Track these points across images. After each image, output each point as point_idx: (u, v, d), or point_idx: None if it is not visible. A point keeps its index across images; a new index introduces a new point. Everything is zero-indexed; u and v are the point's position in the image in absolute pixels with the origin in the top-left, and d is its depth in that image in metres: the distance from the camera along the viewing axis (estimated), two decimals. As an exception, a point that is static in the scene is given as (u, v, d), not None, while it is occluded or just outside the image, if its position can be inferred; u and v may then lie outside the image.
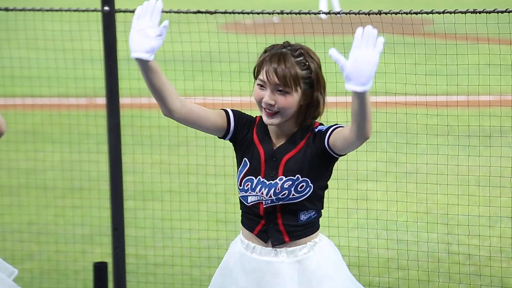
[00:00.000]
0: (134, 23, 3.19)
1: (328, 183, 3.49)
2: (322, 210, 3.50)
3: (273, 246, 3.44)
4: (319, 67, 3.41)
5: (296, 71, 3.35)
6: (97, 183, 7.71)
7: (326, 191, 3.50)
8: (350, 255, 5.92)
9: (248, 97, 5.62)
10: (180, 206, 6.64)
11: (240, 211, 3.54)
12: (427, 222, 6.27)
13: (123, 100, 5.36)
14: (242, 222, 3.52)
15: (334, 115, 5.16)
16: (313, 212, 3.45)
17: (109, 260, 5.49)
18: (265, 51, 3.42)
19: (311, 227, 3.46)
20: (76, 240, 6.78)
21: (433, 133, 6.24)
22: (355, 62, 3.00)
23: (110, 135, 5.22)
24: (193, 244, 6.48)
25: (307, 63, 3.38)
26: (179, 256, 6.32)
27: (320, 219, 3.51)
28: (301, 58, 3.38)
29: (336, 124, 3.42)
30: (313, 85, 3.38)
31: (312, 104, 3.40)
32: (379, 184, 6.64)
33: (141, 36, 3.18)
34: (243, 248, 3.49)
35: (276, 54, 3.37)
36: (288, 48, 3.39)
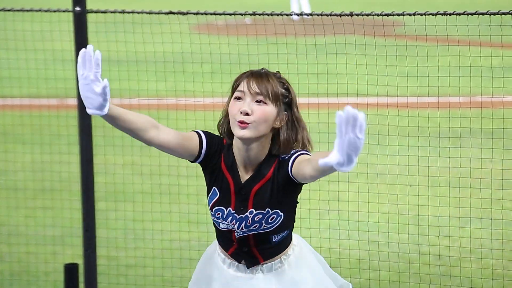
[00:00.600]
0: (79, 71, 3.09)
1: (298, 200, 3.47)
2: (294, 223, 3.48)
3: (248, 268, 3.44)
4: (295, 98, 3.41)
5: (277, 86, 3.34)
6: (68, 184, 7.67)
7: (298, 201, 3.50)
8: (321, 256, 5.93)
9: (220, 98, 5.62)
10: (152, 207, 6.63)
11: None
12: (398, 223, 6.31)
13: (94, 101, 5.33)
14: (216, 237, 3.52)
15: (306, 116, 5.18)
16: (286, 232, 3.45)
17: (80, 261, 5.47)
18: (239, 75, 3.41)
19: (284, 244, 3.47)
20: (47, 242, 6.74)
21: (404, 135, 6.28)
22: (344, 153, 2.76)
23: (81, 136, 5.20)
24: (164, 246, 6.47)
25: (286, 84, 3.39)
26: (150, 257, 6.30)
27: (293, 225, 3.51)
28: (281, 79, 3.39)
29: (300, 151, 3.34)
30: (291, 106, 3.36)
31: (288, 127, 3.35)
32: (351, 185, 6.66)
33: (88, 92, 3.08)
34: (220, 261, 3.50)
35: (257, 71, 3.37)
36: (266, 70, 3.40)
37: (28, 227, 6.92)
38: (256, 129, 3.30)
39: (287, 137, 3.35)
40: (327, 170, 2.99)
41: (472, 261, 6.01)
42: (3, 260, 6.46)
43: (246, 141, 3.33)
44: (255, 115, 3.29)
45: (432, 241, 6.24)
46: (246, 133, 3.30)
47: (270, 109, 3.31)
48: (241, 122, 3.30)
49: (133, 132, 3.23)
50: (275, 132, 3.36)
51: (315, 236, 6.12)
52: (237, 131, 3.31)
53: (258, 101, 3.31)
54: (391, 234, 6.26)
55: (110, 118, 3.16)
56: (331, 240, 6.19)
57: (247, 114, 3.29)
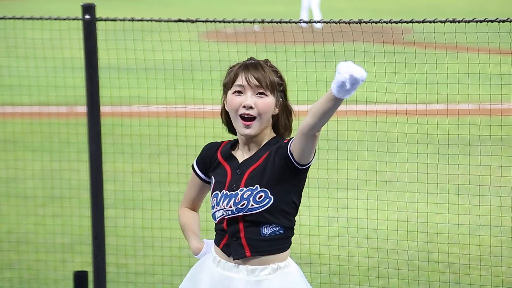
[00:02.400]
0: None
1: (299, 200, 3.45)
2: (291, 230, 3.45)
3: (234, 259, 3.43)
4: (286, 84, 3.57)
5: (272, 76, 3.47)
6: (77, 192, 7.69)
7: (303, 207, 3.50)
8: (330, 263, 5.94)
9: (229, 105, 5.62)
10: (161, 214, 6.64)
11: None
12: (407, 231, 6.30)
13: (103, 109, 5.36)
14: (215, 236, 3.55)
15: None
16: (278, 227, 3.42)
17: (89, 269, 5.48)
18: (231, 67, 3.52)
19: (277, 246, 3.43)
20: (56, 249, 6.76)
21: (413, 142, 6.27)
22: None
23: (90, 143, 5.21)
24: (174, 253, 6.47)
25: (278, 72, 3.52)
26: (160, 265, 6.31)
27: (291, 239, 3.47)
28: (272, 67, 3.52)
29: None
30: (284, 93, 3.51)
31: (283, 113, 3.50)
32: (360, 193, 6.66)
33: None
34: (211, 261, 3.51)
35: (250, 63, 3.48)
36: (257, 60, 3.52)
37: (38, 235, 6.94)
38: (260, 123, 3.44)
39: (284, 121, 3.51)
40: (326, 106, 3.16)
41: (481, 269, 5.99)
42: (13, 267, 6.48)
43: (251, 137, 3.46)
44: (259, 108, 3.42)
45: (441, 248, 6.23)
46: (251, 131, 3.44)
47: (270, 100, 3.45)
48: (244, 117, 3.41)
49: None
50: (276, 116, 3.50)
51: (324, 243, 6.12)
52: (242, 130, 3.45)
53: (259, 93, 3.44)
54: (400, 241, 6.25)
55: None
56: (340, 248, 6.19)
57: (250, 107, 3.41)
